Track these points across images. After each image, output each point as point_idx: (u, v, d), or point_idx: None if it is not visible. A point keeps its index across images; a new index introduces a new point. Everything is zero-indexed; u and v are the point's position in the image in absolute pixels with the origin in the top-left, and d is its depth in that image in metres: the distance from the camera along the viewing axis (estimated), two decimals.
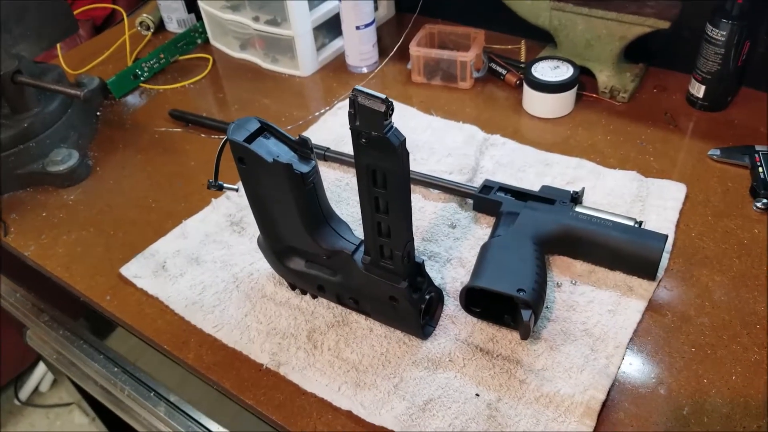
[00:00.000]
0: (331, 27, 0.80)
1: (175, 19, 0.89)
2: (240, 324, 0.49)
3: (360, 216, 0.42)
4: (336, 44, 0.82)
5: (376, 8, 0.77)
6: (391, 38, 0.84)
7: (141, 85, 0.80)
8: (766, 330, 0.45)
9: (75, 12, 0.72)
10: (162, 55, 0.82)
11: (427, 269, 0.45)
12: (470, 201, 0.57)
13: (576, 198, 0.53)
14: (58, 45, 0.79)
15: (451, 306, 0.49)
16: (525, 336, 0.44)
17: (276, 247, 0.48)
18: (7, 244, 0.61)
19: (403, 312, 0.45)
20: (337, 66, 0.81)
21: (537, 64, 0.68)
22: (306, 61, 0.78)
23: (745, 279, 0.49)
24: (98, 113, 0.77)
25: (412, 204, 0.40)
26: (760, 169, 0.57)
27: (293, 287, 0.51)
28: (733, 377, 0.43)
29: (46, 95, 0.68)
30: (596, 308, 0.47)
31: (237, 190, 0.49)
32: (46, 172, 0.65)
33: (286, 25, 0.75)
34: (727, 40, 0.60)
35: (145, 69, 0.81)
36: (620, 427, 0.41)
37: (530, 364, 0.44)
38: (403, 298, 0.43)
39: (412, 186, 0.45)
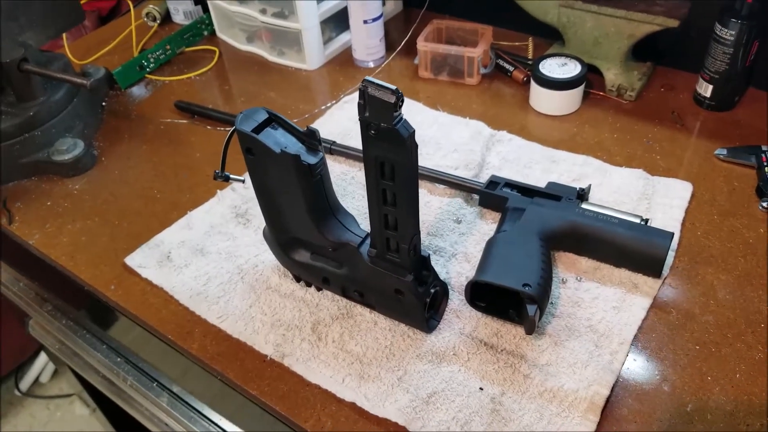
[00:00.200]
0: (338, 21, 0.80)
1: (182, 11, 0.89)
2: (245, 315, 0.49)
3: (365, 209, 0.42)
4: (343, 38, 0.82)
5: (383, 3, 0.77)
6: (398, 33, 0.83)
7: (147, 76, 0.80)
8: None
9: (81, 1, 0.71)
10: (168, 47, 0.82)
11: (432, 264, 0.45)
12: (476, 196, 0.57)
13: (582, 195, 0.53)
14: (63, 35, 0.79)
15: (456, 300, 0.49)
16: (530, 331, 0.44)
17: (281, 238, 0.48)
18: (11, 232, 0.61)
19: (408, 305, 0.45)
20: (344, 60, 0.81)
21: (545, 60, 0.68)
22: (313, 54, 0.78)
23: (750, 278, 0.49)
24: (104, 103, 0.77)
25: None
26: (767, 169, 0.57)
27: (298, 279, 0.51)
28: (737, 375, 0.43)
29: (52, 84, 0.68)
30: (601, 305, 0.47)
31: (243, 181, 0.49)
32: (51, 161, 0.65)
33: (293, 18, 0.75)
34: (735, 40, 0.60)
35: (151, 60, 0.81)
36: (624, 423, 0.41)
37: (534, 359, 0.44)
38: (408, 291, 0.44)
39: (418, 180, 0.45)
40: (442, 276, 0.50)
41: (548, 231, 0.50)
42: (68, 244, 0.58)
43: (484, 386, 0.43)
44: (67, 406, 1.31)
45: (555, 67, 0.66)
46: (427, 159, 0.62)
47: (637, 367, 0.44)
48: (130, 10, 0.87)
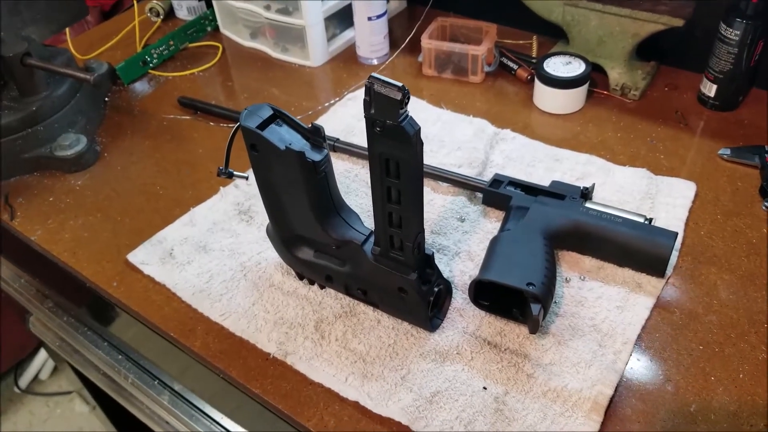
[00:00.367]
0: (342, 17, 0.80)
1: (186, 6, 0.89)
2: (247, 313, 0.49)
3: (369, 207, 0.42)
4: (347, 35, 0.82)
5: (387, 0, 0.77)
6: (402, 30, 0.83)
7: (150, 71, 0.80)
8: None
9: None
10: (171, 42, 0.82)
11: (436, 262, 0.45)
12: (479, 195, 0.57)
13: (586, 194, 0.52)
14: (67, 30, 0.79)
15: (460, 299, 0.48)
16: (534, 330, 0.44)
17: (285, 236, 0.48)
18: (13, 228, 0.60)
19: (412, 304, 0.45)
20: (348, 57, 0.80)
21: (549, 59, 0.67)
22: (316, 51, 0.78)
23: (753, 278, 0.49)
24: (106, 99, 0.76)
25: None
26: None
27: (301, 277, 0.51)
28: (741, 375, 0.43)
29: (54, 79, 0.68)
30: (605, 304, 0.47)
31: (247, 178, 0.48)
32: (53, 156, 0.65)
33: (297, 14, 0.75)
34: (740, 40, 0.60)
35: (155, 56, 0.80)
36: (627, 423, 0.41)
37: (538, 358, 0.44)
38: (412, 289, 0.43)
39: None
40: (446, 274, 0.50)
41: (552, 230, 0.49)
42: (70, 240, 0.58)
43: (487, 386, 0.43)
44: (66, 404, 1.31)
45: (559, 66, 0.66)
46: (430, 157, 0.62)
47: (641, 366, 0.44)
48: (133, 5, 0.87)
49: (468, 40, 0.76)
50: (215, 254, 0.54)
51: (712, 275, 0.49)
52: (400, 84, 0.34)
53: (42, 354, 1.30)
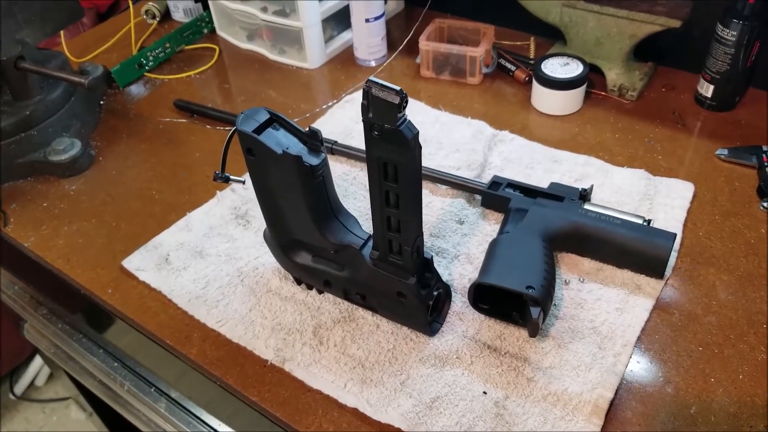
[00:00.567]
0: (339, 19, 0.80)
1: (182, 8, 0.88)
2: (244, 319, 0.49)
3: (367, 210, 0.41)
4: (344, 37, 0.81)
5: (385, 1, 0.76)
6: (400, 32, 0.83)
7: (145, 74, 0.80)
8: None
9: None
10: (167, 45, 0.81)
11: (435, 265, 0.45)
12: (478, 197, 0.56)
13: (585, 195, 0.52)
14: (61, 32, 0.78)
15: (459, 303, 0.48)
16: (534, 333, 0.44)
17: (282, 240, 0.48)
18: (6, 234, 0.60)
19: (411, 308, 0.44)
20: (345, 59, 0.80)
21: (547, 60, 0.67)
22: (314, 53, 0.77)
23: (752, 278, 0.49)
24: (101, 102, 0.76)
25: None
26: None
27: (299, 282, 0.50)
28: (740, 376, 0.43)
29: (49, 83, 0.67)
30: (604, 306, 0.47)
31: (244, 182, 0.48)
32: (47, 161, 0.64)
33: (294, 16, 0.75)
34: (737, 40, 0.60)
35: (150, 58, 0.80)
36: (628, 425, 0.41)
37: (538, 361, 0.44)
38: (411, 293, 0.43)
39: None
40: (445, 278, 0.50)
41: (551, 232, 0.49)
42: (64, 247, 0.57)
43: (487, 390, 0.42)
44: (62, 410, 1.30)
45: (557, 67, 0.66)
46: (429, 159, 0.62)
47: (641, 369, 0.44)
48: (129, 7, 0.86)
49: (466, 41, 0.75)
50: (212, 259, 0.54)
51: (710, 276, 0.49)
52: (398, 88, 0.33)
53: (38, 360, 1.29)
